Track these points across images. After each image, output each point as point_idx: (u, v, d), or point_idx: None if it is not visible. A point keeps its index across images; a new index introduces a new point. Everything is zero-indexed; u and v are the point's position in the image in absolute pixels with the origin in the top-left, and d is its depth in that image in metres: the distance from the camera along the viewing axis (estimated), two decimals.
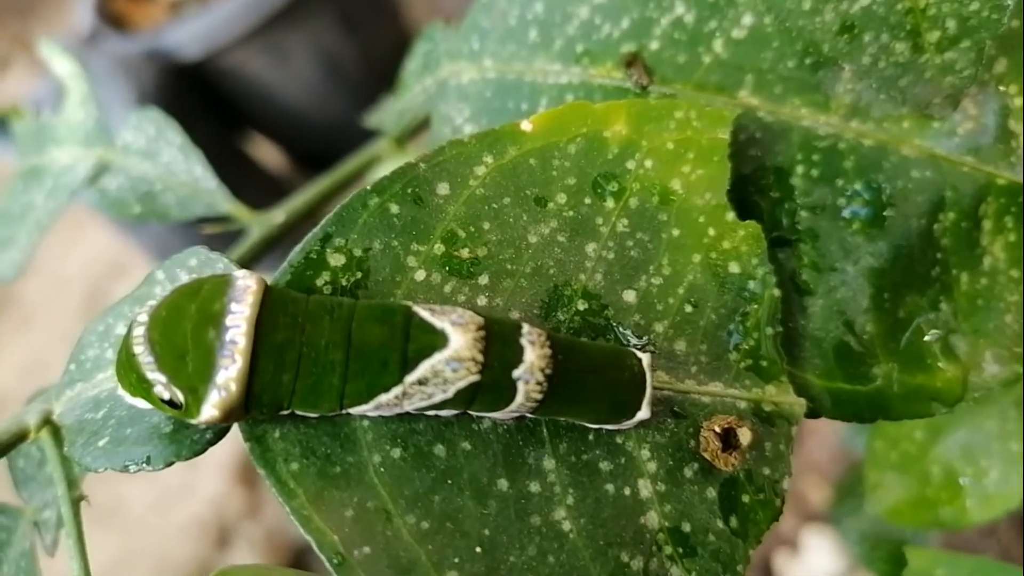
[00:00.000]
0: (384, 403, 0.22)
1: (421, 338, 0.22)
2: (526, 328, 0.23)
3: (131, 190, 0.40)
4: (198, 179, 0.39)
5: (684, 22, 0.30)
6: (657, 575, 0.24)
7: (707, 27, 0.30)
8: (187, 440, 0.24)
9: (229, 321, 0.21)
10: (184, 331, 0.21)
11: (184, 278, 0.27)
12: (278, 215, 0.39)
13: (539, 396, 0.22)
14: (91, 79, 0.43)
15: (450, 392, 0.22)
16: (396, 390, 0.22)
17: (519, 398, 0.22)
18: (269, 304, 0.22)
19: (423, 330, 0.22)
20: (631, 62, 0.30)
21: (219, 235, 0.41)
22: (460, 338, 0.22)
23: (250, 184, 1.22)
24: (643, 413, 0.24)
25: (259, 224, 0.39)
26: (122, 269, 1.31)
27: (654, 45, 0.30)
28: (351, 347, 0.22)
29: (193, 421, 0.22)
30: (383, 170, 0.43)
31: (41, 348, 1.33)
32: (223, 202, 0.39)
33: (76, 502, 0.27)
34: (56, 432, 0.28)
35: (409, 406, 0.22)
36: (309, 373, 0.22)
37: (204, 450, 0.24)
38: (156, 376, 0.21)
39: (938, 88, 0.29)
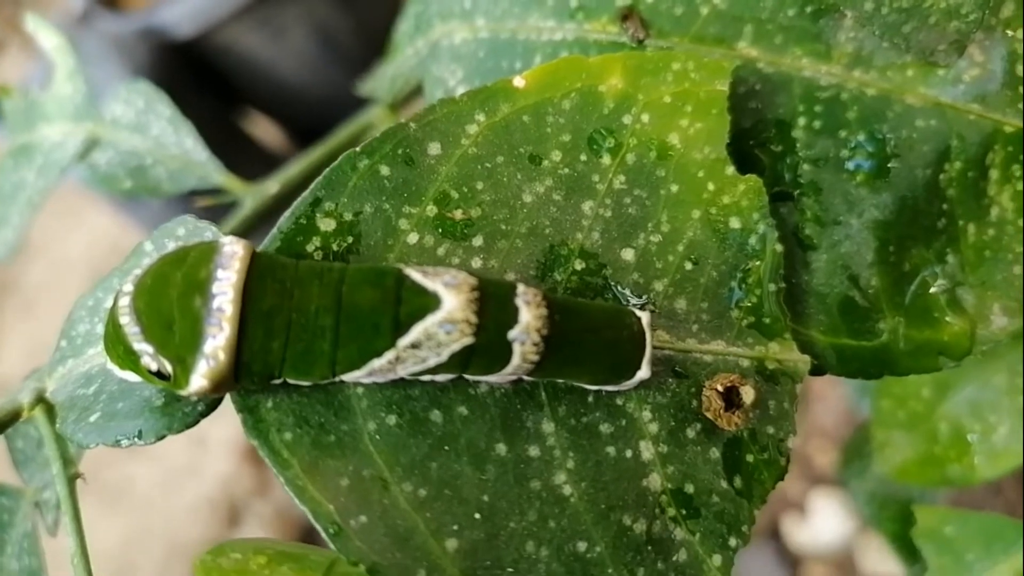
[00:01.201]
0: (377, 368, 0.22)
1: (413, 300, 0.21)
2: (521, 288, 0.22)
3: (121, 165, 0.39)
4: (189, 151, 0.38)
5: None
6: (660, 538, 0.24)
7: None
8: (178, 413, 0.23)
9: (216, 288, 0.21)
10: (170, 299, 0.21)
11: (172, 248, 0.26)
12: (271, 186, 0.38)
13: (536, 357, 0.22)
14: (84, 58, 0.43)
15: (444, 355, 0.21)
16: (389, 354, 0.21)
17: (515, 360, 0.22)
18: (257, 270, 0.21)
19: (415, 292, 0.21)
20: (627, 16, 0.30)
21: (214, 208, 0.41)
22: (453, 299, 0.21)
23: (248, 161, 1.21)
24: (643, 372, 0.23)
25: (252, 195, 0.38)
26: (124, 252, 1.30)
27: None
28: (341, 311, 0.21)
29: (182, 392, 0.21)
30: None
31: (44, 332, 1.33)
32: (215, 174, 0.38)
33: (72, 480, 0.27)
34: (50, 410, 0.28)
35: (403, 371, 0.22)
36: (299, 339, 0.21)
37: (196, 422, 0.23)
38: (143, 347, 0.21)
39: (943, 34, 0.28)
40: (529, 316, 0.22)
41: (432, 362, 0.22)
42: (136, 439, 0.23)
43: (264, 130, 1.30)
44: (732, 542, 0.24)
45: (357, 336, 0.21)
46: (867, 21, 0.28)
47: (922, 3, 0.28)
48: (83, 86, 0.40)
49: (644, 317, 0.23)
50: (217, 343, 0.20)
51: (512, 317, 0.22)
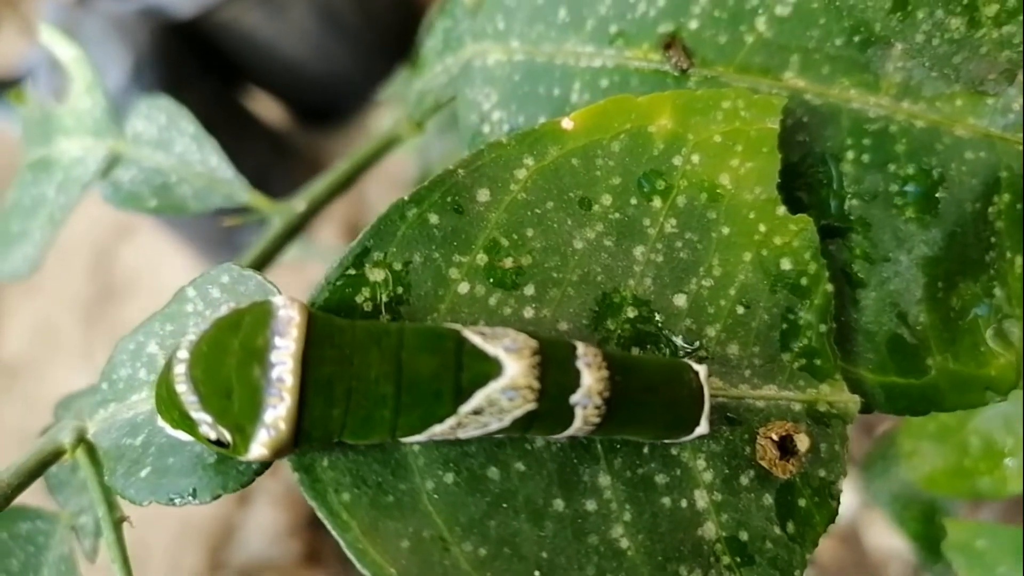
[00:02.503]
0: (438, 433, 0.21)
1: (474, 367, 0.21)
2: (581, 349, 0.22)
3: (145, 183, 0.38)
4: (214, 169, 0.38)
5: None
6: None
7: (749, 4, 0.28)
8: (232, 471, 0.23)
9: (274, 357, 0.20)
10: (228, 368, 0.20)
11: (215, 295, 0.26)
12: (299, 204, 0.38)
13: (597, 420, 0.22)
14: (84, 40, 0.42)
15: (506, 421, 0.21)
16: (450, 421, 0.21)
17: (577, 423, 0.22)
18: (314, 336, 0.21)
19: (476, 358, 0.21)
20: (669, 44, 0.29)
21: (234, 209, 0.40)
22: (515, 365, 0.21)
23: (252, 140, 1.20)
24: (702, 428, 0.23)
25: (280, 214, 0.38)
26: (127, 230, 1.30)
27: (693, 24, 0.29)
28: (402, 378, 0.21)
29: (241, 458, 0.21)
30: (403, 152, 0.42)
31: (50, 312, 1.33)
32: (241, 192, 0.38)
33: (118, 524, 0.27)
34: (91, 451, 0.27)
35: (464, 435, 0.22)
36: (360, 407, 0.21)
37: (251, 481, 0.23)
38: (201, 416, 0.21)
39: (994, 64, 0.27)
40: (591, 379, 0.21)
41: (494, 427, 0.21)
42: (191, 498, 0.23)
43: (266, 107, 1.28)
44: None
45: (418, 404, 0.21)
46: (917, 53, 0.27)
47: (973, 34, 0.27)
48: (103, 100, 0.39)
49: (702, 371, 0.23)
50: (278, 413, 0.20)
51: (574, 381, 0.21)
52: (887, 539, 0.96)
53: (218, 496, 0.23)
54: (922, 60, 0.27)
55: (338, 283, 0.24)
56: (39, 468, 0.28)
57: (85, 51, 0.40)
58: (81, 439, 0.28)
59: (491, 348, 0.21)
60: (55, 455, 0.28)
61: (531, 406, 0.21)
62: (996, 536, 0.37)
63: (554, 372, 0.21)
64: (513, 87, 0.32)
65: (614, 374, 0.22)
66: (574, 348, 0.22)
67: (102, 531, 0.27)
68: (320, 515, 0.22)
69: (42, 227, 0.40)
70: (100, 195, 0.39)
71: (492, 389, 0.21)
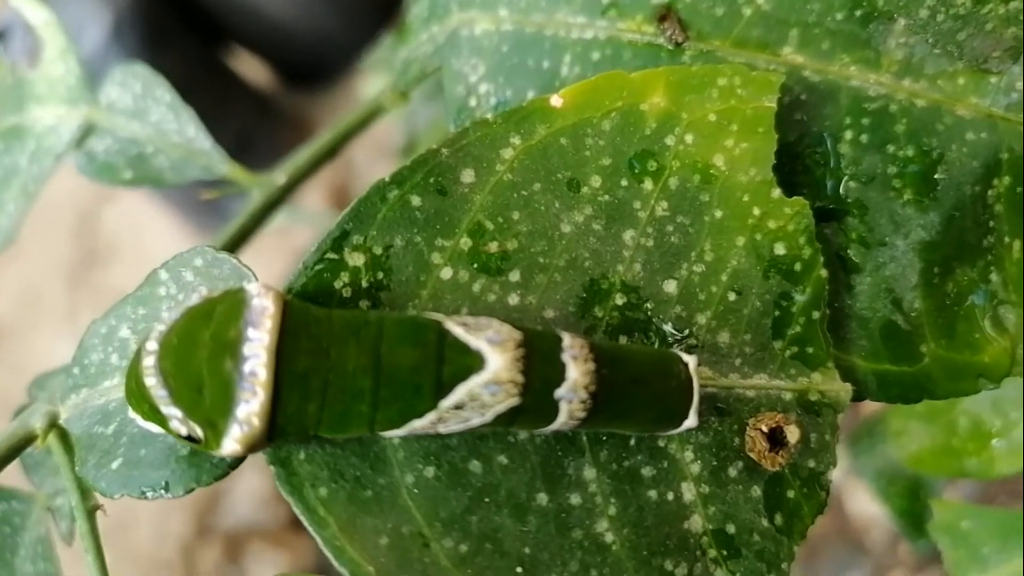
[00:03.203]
0: (418, 428, 0.21)
1: (456, 360, 0.20)
2: (567, 340, 0.21)
3: (120, 153, 0.37)
4: (191, 140, 0.36)
5: None
6: None
7: None
8: (206, 464, 0.22)
9: (247, 350, 0.19)
10: (199, 361, 0.19)
11: (189, 278, 0.25)
12: (279, 176, 0.37)
13: (583, 414, 0.21)
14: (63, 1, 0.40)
15: (488, 416, 0.21)
16: (431, 416, 0.20)
17: (562, 417, 0.21)
18: (289, 327, 0.20)
19: (458, 351, 0.20)
20: (664, 15, 0.28)
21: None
22: (498, 359, 0.20)
23: (236, 102, 1.18)
24: (690, 421, 0.22)
25: (259, 186, 0.37)
26: (110, 194, 1.28)
27: None
28: (381, 372, 0.20)
29: (214, 453, 0.20)
30: (390, 117, 0.41)
31: (35, 276, 1.31)
32: (220, 164, 0.37)
33: (91, 512, 0.26)
34: (64, 437, 0.27)
35: (445, 429, 0.21)
36: (337, 401, 0.20)
37: (225, 474, 0.22)
38: (171, 411, 0.20)
39: (999, 40, 0.26)
40: (577, 373, 0.21)
41: (475, 422, 0.21)
42: (163, 491, 0.23)
43: (250, 67, 1.26)
44: None
45: (397, 398, 0.20)
46: (921, 29, 0.26)
47: (979, 9, 0.26)
48: (76, 67, 0.38)
49: (691, 362, 0.22)
50: (251, 408, 0.19)
51: (559, 374, 0.21)
52: (869, 506, 0.96)
53: (191, 490, 0.22)
54: (925, 36, 0.26)
55: (316, 267, 0.23)
56: (10, 454, 0.28)
57: (62, 10, 0.39)
58: (53, 424, 0.27)
59: (473, 340, 0.20)
60: (27, 440, 0.28)
61: (514, 401, 0.20)
62: (981, 517, 0.37)
63: (539, 365, 0.21)
64: (501, 58, 0.30)
65: (601, 367, 0.21)
66: (560, 339, 0.21)
67: (78, 523, 0.26)
68: (297, 511, 0.21)
69: (15, 199, 0.39)
70: (74, 166, 0.38)
71: (474, 383, 0.20)
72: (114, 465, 0.24)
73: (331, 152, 0.38)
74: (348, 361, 0.20)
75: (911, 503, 0.48)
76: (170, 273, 0.25)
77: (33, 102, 0.39)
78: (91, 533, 0.26)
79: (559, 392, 0.21)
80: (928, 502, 0.47)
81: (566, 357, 0.21)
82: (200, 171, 0.37)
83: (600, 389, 0.21)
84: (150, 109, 0.37)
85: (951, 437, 0.39)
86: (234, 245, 0.36)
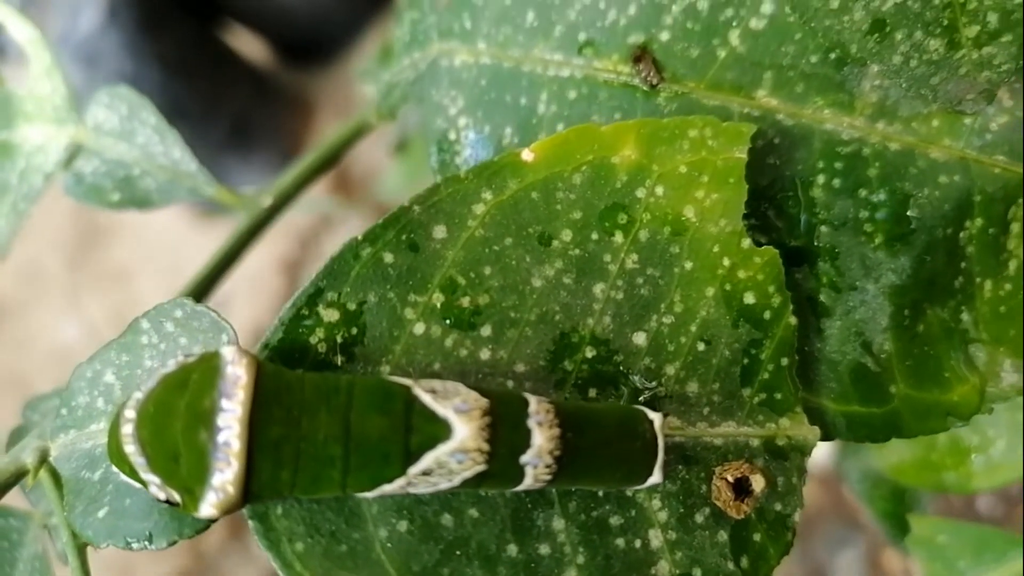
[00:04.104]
0: (388, 491, 0.21)
1: (424, 428, 0.21)
2: (533, 406, 0.22)
3: (108, 175, 0.37)
4: (178, 162, 0.37)
5: (698, 9, 0.27)
6: None
7: (723, 16, 0.27)
8: (188, 518, 0.23)
9: (221, 422, 0.20)
10: (174, 432, 0.20)
11: (169, 328, 0.25)
12: (265, 198, 0.37)
13: (548, 477, 0.22)
14: None
15: (456, 481, 0.21)
16: (400, 481, 0.21)
17: (527, 480, 0.22)
18: (262, 396, 0.20)
19: (425, 419, 0.21)
20: (639, 56, 0.28)
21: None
22: (464, 428, 0.21)
23: (234, 81, 1.18)
24: (655, 478, 0.23)
25: (246, 207, 0.37)
26: None
27: (664, 36, 0.28)
28: (350, 441, 0.21)
29: (191, 514, 0.21)
30: (372, 145, 0.41)
31: (34, 252, 1.32)
32: (206, 187, 0.37)
33: (82, 549, 0.27)
34: (55, 474, 0.27)
35: (414, 491, 0.22)
36: (308, 467, 0.21)
37: (207, 528, 0.23)
38: (149, 477, 0.21)
39: (973, 84, 0.26)
40: (542, 439, 0.21)
41: (444, 486, 0.21)
42: (147, 543, 0.23)
43: (248, 45, 1.25)
44: None
45: (367, 465, 0.21)
46: (894, 75, 0.26)
47: (953, 55, 0.26)
48: (62, 86, 0.38)
49: (656, 420, 0.23)
50: (225, 477, 0.20)
51: (525, 440, 0.21)
52: None
53: (174, 542, 0.23)
54: (899, 81, 0.26)
55: (291, 323, 0.24)
56: (2, 489, 0.28)
57: (56, 59, 0.39)
58: (43, 460, 0.28)
59: (441, 409, 0.21)
60: (18, 475, 0.28)
61: (480, 468, 0.21)
62: (958, 532, 0.38)
63: (504, 433, 0.21)
64: (480, 93, 0.31)
65: (566, 431, 0.22)
66: (526, 404, 0.22)
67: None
68: (275, 565, 0.22)
69: (6, 216, 0.39)
70: (63, 187, 0.38)
71: (441, 452, 0.21)
72: (100, 514, 0.24)
73: (319, 170, 0.39)
74: (319, 430, 0.21)
75: (895, 506, 0.49)
76: (151, 323, 0.25)
77: (22, 119, 0.40)
78: (81, 569, 0.27)
79: (524, 458, 0.21)
80: (911, 505, 0.48)
81: (531, 423, 0.21)
82: (187, 193, 0.37)
83: (565, 453, 0.22)
84: (136, 131, 0.37)
85: (930, 452, 0.39)
86: (223, 267, 0.37)
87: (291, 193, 0.38)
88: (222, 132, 1.16)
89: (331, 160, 0.39)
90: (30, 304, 1.29)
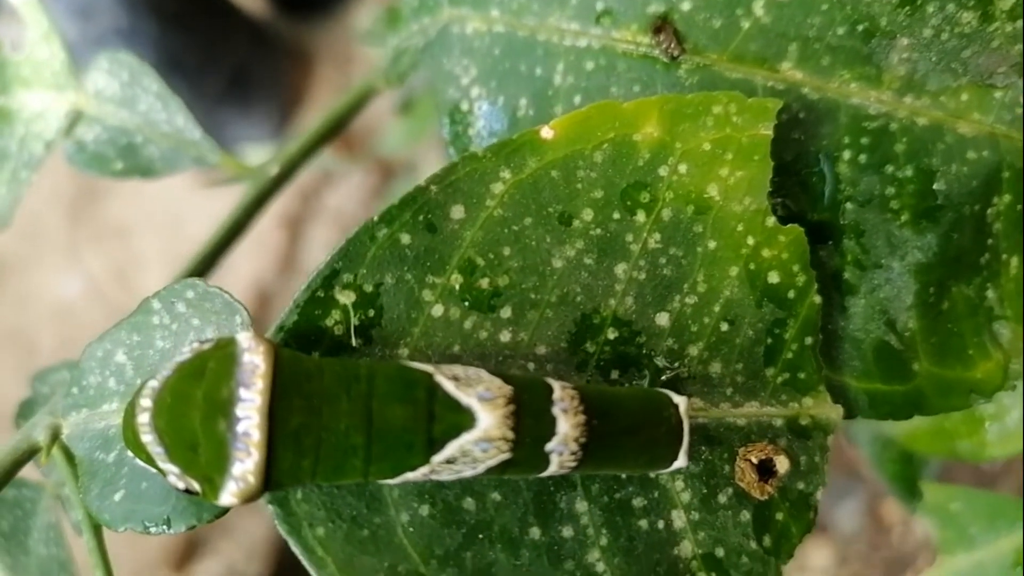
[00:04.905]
0: (411, 479, 0.21)
1: (447, 418, 0.20)
2: (557, 392, 0.21)
3: (110, 143, 0.37)
4: (181, 130, 0.36)
5: None
6: None
7: None
8: (208, 503, 0.23)
9: (240, 411, 0.20)
10: (192, 422, 0.20)
11: (181, 309, 0.25)
12: (272, 167, 0.36)
13: (573, 464, 0.21)
14: None
15: (480, 469, 0.21)
16: (423, 469, 0.21)
17: (552, 467, 0.21)
18: (281, 385, 0.20)
19: (448, 408, 0.20)
20: (659, 27, 0.27)
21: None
22: (489, 417, 0.20)
23: (232, 34, 1.15)
24: (680, 462, 0.23)
25: (252, 176, 0.36)
26: None
27: (685, 6, 0.27)
28: (372, 429, 0.20)
29: (212, 503, 0.21)
30: (374, 101, 0.40)
31: (34, 208, 1.31)
32: (211, 154, 0.36)
33: (98, 528, 0.27)
34: (68, 452, 0.27)
35: (438, 479, 0.21)
36: (330, 457, 0.20)
37: (226, 512, 0.23)
38: (168, 467, 0.20)
39: (1005, 57, 0.26)
40: (567, 426, 0.21)
41: (468, 474, 0.21)
42: (165, 527, 0.23)
43: None
44: None
45: (390, 454, 0.20)
46: (924, 48, 0.25)
47: (985, 28, 0.25)
48: (61, 52, 0.37)
49: (682, 404, 0.23)
50: (246, 467, 0.20)
51: (550, 428, 0.21)
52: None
53: (193, 527, 0.23)
54: (929, 54, 0.26)
55: (307, 305, 0.23)
56: (15, 467, 0.28)
57: (54, 24, 0.37)
58: (55, 438, 0.27)
59: (464, 397, 0.21)
60: (30, 453, 0.28)
61: (505, 456, 0.21)
62: (971, 500, 0.38)
63: (529, 421, 0.21)
64: (493, 62, 0.30)
65: (591, 418, 0.21)
66: (550, 391, 0.21)
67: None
68: (296, 551, 0.22)
69: (7, 183, 0.39)
70: (64, 156, 0.37)
71: (465, 440, 0.20)
72: (117, 497, 0.24)
73: (326, 137, 0.38)
74: (340, 419, 0.20)
75: (904, 468, 0.49)
76: (162, 303, 0.25)
77: (19, 86, 0.39)
78: (98, 549, 0.27)
79: (549, 446, 0.21)
80: (920, 467, 0.48)
81: (556, 410, 0.21)
82: (191, 161, 0.36)
83: (590, 440, 0.21)
84: (138, 98, 0.36)
85: (944, 420, 0.39)
86: (230, 237, 0.36)
87: (298, 161, 0.37)
88: (220, 85, 1.14)
89: (338, 126, 0.38)
90: (31, 260, 1.28)
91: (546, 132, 0.24)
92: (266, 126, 1.21)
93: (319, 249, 1.16)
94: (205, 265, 0.36)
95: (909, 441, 0.41)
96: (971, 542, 0.38)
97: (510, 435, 0.21)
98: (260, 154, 1.02)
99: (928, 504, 0.38)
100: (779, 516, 0.25)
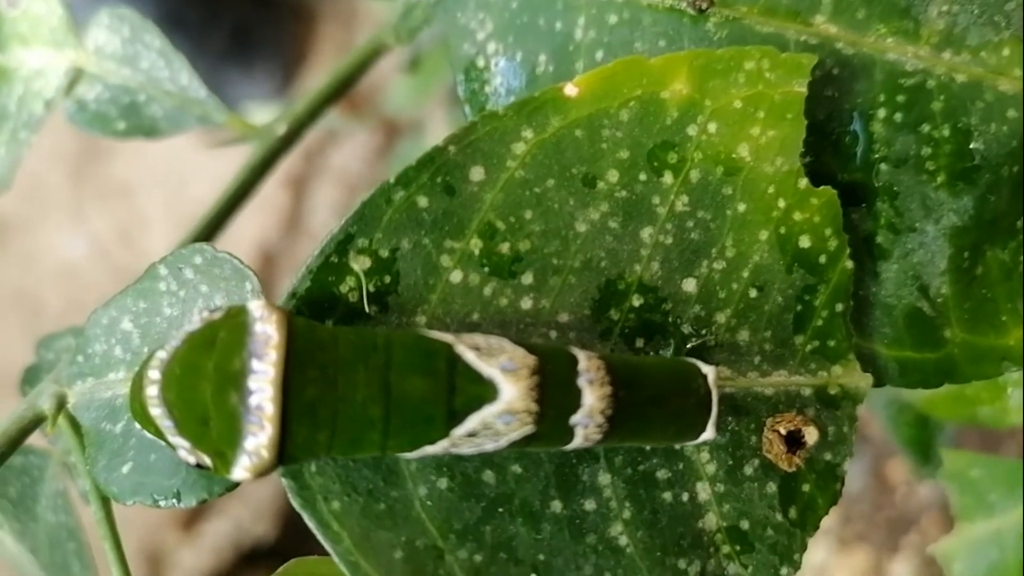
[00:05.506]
0: (431, 452, 0.20)
1: (468, 389, 0.20)
2: (583, 363, 0.20)
3: (112, 102, 0.35)
4: (185, 88, 0.35)
5: None
6: (714, 575, 0.24)
7: None
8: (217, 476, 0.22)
9: (252, 384, 0.19)
10: (203, 395, 0.19)
11: (188, 275, 0.24)
12: (279, 126, 0.35)
13: (599, 436, 0.21)
14: None
15: (502, 443, 0.20)
16: (443, 443, 0.20)
17: (577, 440, 0.21)
18: (295, 355, 0.19)
19: (470, 380, 0.20)
20: None
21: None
22: (512, 389, 0.20)
23: None
24: (708, 434, 0.22)
25: (259, 136, 0.35)
26: None
27: None
28: (391, 402, 0.19)
29: (224, 477, 0.20)
30: (380, 58, 0.39)
31: (37, 168, 1.29)
32: (216, 113, 0.35)
33: (106, 500, 0.26)
34: (74, 422, 0.26)
35: (458, 452, 0.21)
36: (347, 430, 0.20)
37: (237, 485, 0.22)
38: (178, 441, 0.20)
39: None
40: (593, 398, 0.20)
41: (489, 447, 0.20)
42: (175, 501, 0.22)
43: None
44: (784, 571, 0.24)
45: (409, 427, 0.20)
46: (966, 0, 0.24)
47: None
48: (58, 7, 0.36)
49: (711, 374, 0.22)
50: (259, 441, 0.19)
51: (575, 400, 0.20)
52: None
53: (204, 501, 0.22)
54: (970, 6, 0.24)
55: (320, 271, 0.22)
56: (20, 435, 0.28)
57: None
58: (61, 406, 0.27)
59: (486, 368, 0.20)
60: (36, 422, 0.27)
61: (529, 429, 0.20)
62: (991, 467, 0.37)
63: (554, 393, 0.20)
64: (510, 16, 0.28)
65: (618, 389, 0.20)
66: (575, 362, 0.20)
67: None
68: (310, 525, 0.21)
69: (6, 144, 0.38)
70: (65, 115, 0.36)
71: (487, 413, 0.20)
72: (124, 469, 0.23)
73: (334, 96, 0.37)
74: (356, 391, 0.19)
75: (920, 432, 0.49)
76: (169, 269, 0.24)
77: (17, 42, 0.37)
78: (106, 520, 0.26)
79: (575, 418, 0.20)
80: (936, 431, 0.47)
81: (582, 382, 0.20)
82: (196, 120, 0.35)
83: (616, 413, 0.20)
84: (140, 55, 0.35)
85: (966, 385, 0.38)
86: (236, 200, 0.35)
87: (305, 121, 0.36)
88: (222, 42, 1.12)
89: (346, 85, 0.37)
90: (34, 220, 1.27)
91: (570, 89, 0.23)
92: (268, 85, 1.19)
93: (324, 209, 1.15)
94: (212, 228, 0.35)
95: (928, 406, 0.41)
96: (990, 509, 0.37)
97: (534, 408, 0.20)
98: (264, 113, 1.00)
99: (947, 470, 0.38)
100: (806, 488, 0.24)
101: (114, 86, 0.35)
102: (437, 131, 0.82)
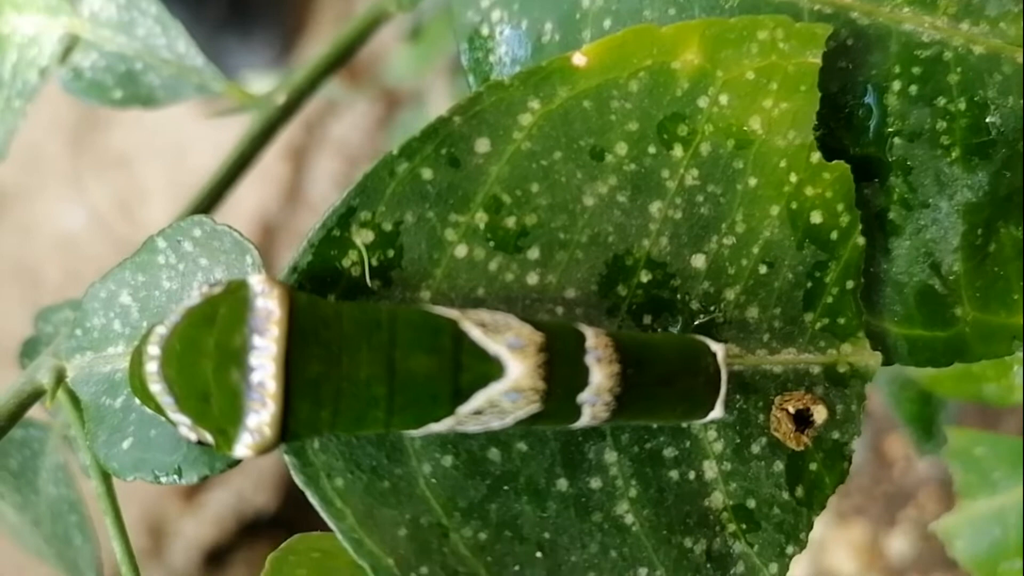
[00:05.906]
0: (435, 430, 0.20)
1: (474, 367, 0.19)
2: (591, 340, 0.20)
3: (108, 70, 0.35)
4: (183, 56, 0.34)
5: None
6: (720, 554, 0.24)
7: None
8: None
9: (254, 360, 0.18)
10: (204, 371, 0.19)
11: (188, 248, 0.23)
12: (278, 95, 0.35)
13: (606, 415, 0.20)
14: None
15: (508, 421, 0.20)
16: (448, 421, 0.20)
17: (585, 419, 0.20)
18: (297, 332, 0.19)
19: (476, 357, 0.19)
20: None
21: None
22: (519, 366, 0.19)
23: None
24: (716, 413, 0.21)
25: (258, 106, 0.35)
26: None
27: None
28: (395, 380, 0.19)
29: (225, 454, 0.20)
30: (380, 28, 0.38)
31: (33, 135, 1.28)
32: (215, 82, 0.34)
33: (107, 475, 0.26)
34: (73, 396, 0.26)
35: (463, 430, 0.20)
36: (350, 408, 0.19)
37: (238, 463, 0.22)
38: (178, 417, 0.19)
39: None
40: (601, 376, 0.20)
41: (495, 425, 0.20)
42: (176, 477, 0.22)
43: None
44: (790, 550, 0.24)
45: (414, 405, 0.19)
46: None
47: None
48: None
49: (720, 352, 0.21)
50: (261, 419, 0.19)
51: (583, 378, 0.20)
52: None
53: (205, 477, 0.22)
54: None
55: (322, 245, 0.22)
56: (20, 409, 0.27)
57: None
58: (60, 380, 0.26)
59: (492, 345, 0.19)
60: (35, 396, 0.27)
61: (535, 407, 0.20)
62: (995, 445, 0.37)
63: (561, 371, 0.20)
64: None
65: (626, 367, 0.20)
66: (583, 339, 0.20)
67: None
68: (313, 502, 0.21)
69: (1, 113, 0.37)
70: (60, 84, 0.36)
71: (493, 391, 0.19)
72: (125, 445, 0.23)
73: (335, 65, 0.36)
74: (360, 368, 0.19)
75: (922, 409, 0.49)
76: (168, 242, 0.24)
77: (10, 8, 0.37)
78: (108, 495, 0.26)
79: (582, 397, 0.20)
80: (938, 407, 0.47)
81: (590, 359, 0.20)
82: (194, 89, 0.34)
83: (625, 391, 0.20)
84: (136, 22, 0.34)
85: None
86: (236, 171, 0.34)
87: (306, 90, 0.35)
88: (220, 10, 1.11)
89: (346, 54, 0.36)
90: (32, 190, 1.26)
91: (578, 59, 0.22)
92: (267, 54, 1.17)
93: (323, 181, 1.14)
94: (211, 200, 0.34)
95: (932, 383, 0.41)
96: (993, 487, 0.37)
97: (541, 386, 0.19)
98: (263, 83, 0.99)
99: (952, 448, 0.38)
100: (813, 466, 0.24)
101: (110, 54, 0.35)
102: (439, 102, 0.81)
